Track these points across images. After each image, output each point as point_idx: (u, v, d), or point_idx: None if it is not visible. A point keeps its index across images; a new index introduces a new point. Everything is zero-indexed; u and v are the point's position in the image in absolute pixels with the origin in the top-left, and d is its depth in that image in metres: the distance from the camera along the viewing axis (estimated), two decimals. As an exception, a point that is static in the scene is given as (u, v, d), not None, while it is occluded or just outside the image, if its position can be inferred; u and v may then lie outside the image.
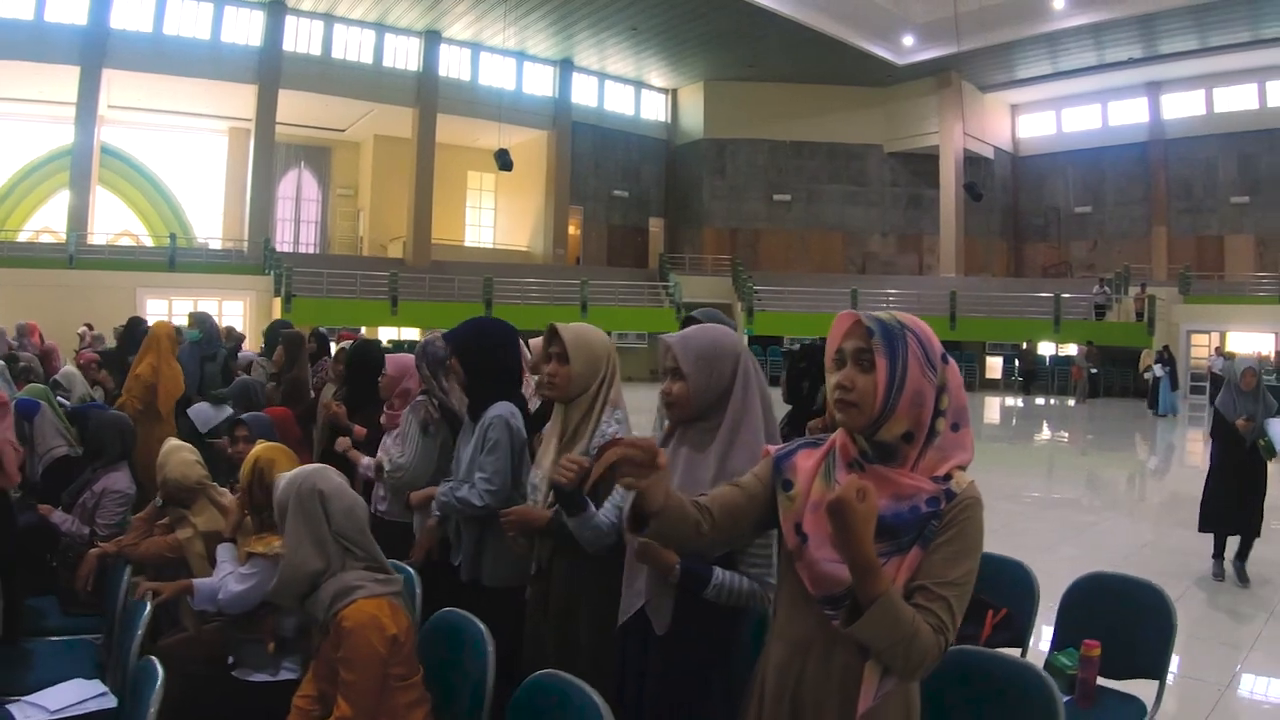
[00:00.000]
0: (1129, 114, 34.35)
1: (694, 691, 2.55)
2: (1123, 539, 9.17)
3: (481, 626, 2.82)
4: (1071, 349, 29.43)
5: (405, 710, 2.62)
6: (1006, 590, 3.67)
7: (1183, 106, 33.17)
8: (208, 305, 25.23)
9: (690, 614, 2.54)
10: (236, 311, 25.64)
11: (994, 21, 28.87)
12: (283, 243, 31.61)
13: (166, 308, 24.63)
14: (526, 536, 3.07)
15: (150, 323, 9.66)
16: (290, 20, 28.83)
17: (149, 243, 30.16)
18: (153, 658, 2.62)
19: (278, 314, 24.65)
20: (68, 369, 9.29)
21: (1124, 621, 3.58)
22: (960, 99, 33.50)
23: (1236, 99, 32.02)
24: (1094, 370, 27.45)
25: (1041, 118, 37.20)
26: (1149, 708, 3.50)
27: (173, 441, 4.07)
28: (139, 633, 3.02)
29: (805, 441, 2.16)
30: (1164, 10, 27.28)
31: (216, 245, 30.75)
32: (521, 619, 3.11)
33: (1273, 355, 26.52)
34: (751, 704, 2.13)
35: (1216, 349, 27.03)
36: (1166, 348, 24.58)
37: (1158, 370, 23.47)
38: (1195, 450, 19.10)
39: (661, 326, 26.14)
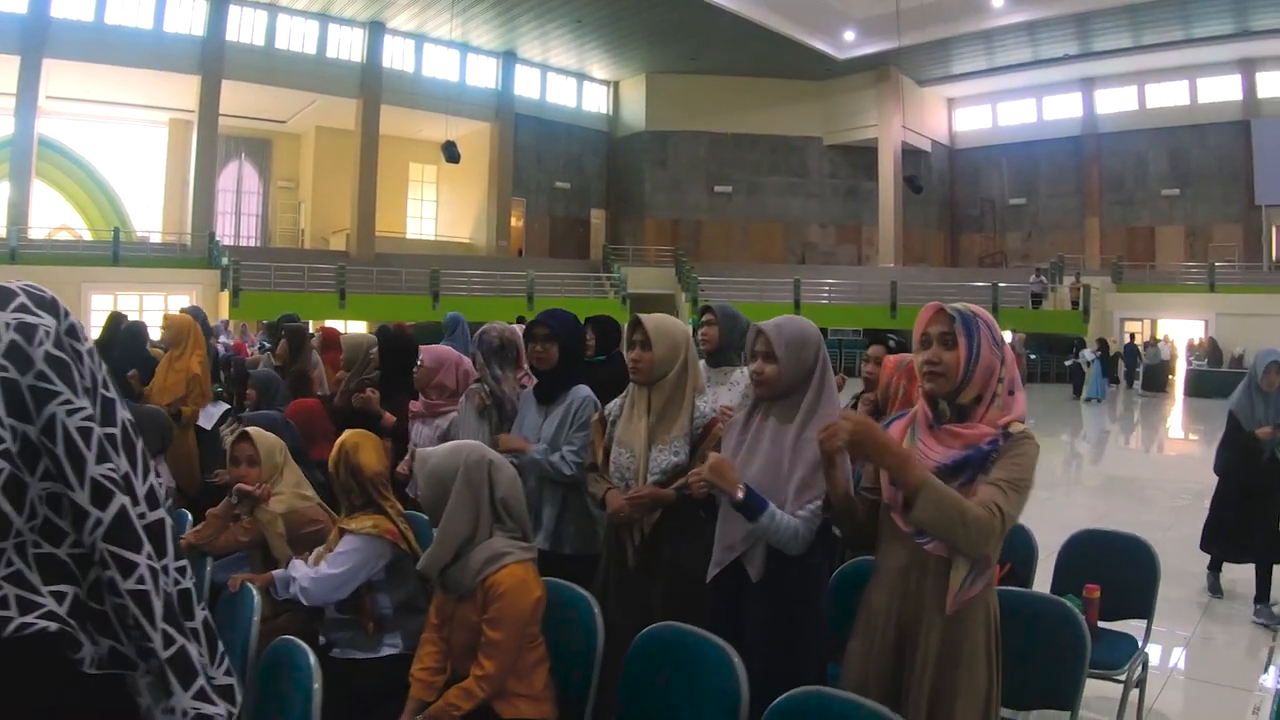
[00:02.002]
0: (1063, 108, 35.49)
1: (791, 633, 2.89)
2: (1077, 514, 9.57)
3: (585, 593, 3.09)
4: (1006, 336, 30.05)
5: (531, 668, 2.86)
6: (1009, 547, 4.06)
7: (1116, 102, 34.38)
8: (153, 300, 24.98)
9: (781, 565, 2.88)
10: (183, 306, 25.27)
11: (933, 18, 29.43)
12: (223, 236, 31.11)
13: (112, 303, 24.24)
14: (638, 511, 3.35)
15: (124, 316, 9.63)
16: (234, 10, 28.46)
17: (87, 236, 29.67)
18: (296, 639, 2.78)
19: (224, 308, 24.45)
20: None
21: (1114, 569, 4.11)
22: (899, 93, 34.17)
23: (1168, 95, 33.32)
24: (1033, 356, 28.17)
25: (978, 111, 38.13)
26: (1140, 642, 4.02)
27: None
28: (255, 618, 3.16)
29: (894, 417, 2.74)
30: (1099, 9, 28.25)
31: (156, 239, 30.29)
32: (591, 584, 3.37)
33: (1204, 341, 27.56)
34: (860, 624, 2.66)
35: (1149, 339, 27.94)
36: (1103, 339, 25.34)
37: (1088, 355, 24.11)
38: (1136, 434, 19.82)
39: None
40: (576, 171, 37.74)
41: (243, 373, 7.49)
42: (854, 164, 37.01)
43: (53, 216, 29.74)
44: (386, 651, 3.32)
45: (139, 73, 27.25)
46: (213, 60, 28.00)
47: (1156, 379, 26.05)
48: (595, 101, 38.29)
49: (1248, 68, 31.25)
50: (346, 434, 3.53)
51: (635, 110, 37.40)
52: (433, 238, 36.50)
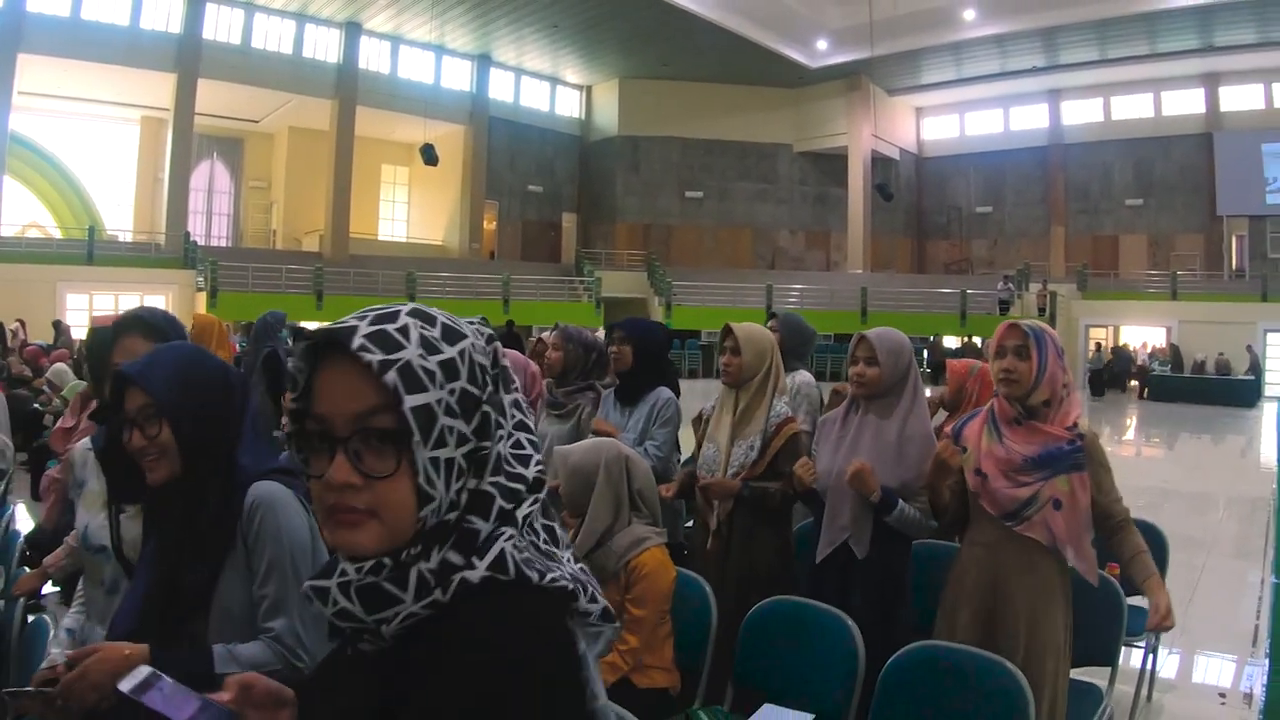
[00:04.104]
0: (1030, 119, 36.15)
1: (890, 602, 3.33)
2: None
3: (695, 576, 3.40)
4: (977, 342, 30.57)
5: (662, 640, 3.12)
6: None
7: (1082, 113, 35.10)
8: (129, 300, 24.77)
9: (883, 544, 3.33)
10: (159, 307, 25.06)
11: (905, 29, 29.93)
12: (194, 235, 30.80)
13: (87, 303, 24.21)
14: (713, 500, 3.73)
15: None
16: (210, 8, 28.26)
17: (56, 234, 29.41)
18: None
19: (202, 308, 24.30)
20: (58, 367, 9.36)
21: None
22: (869, 101, 34.61)
23: (1133, 107, 34.08)
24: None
25: (946, 121, 38.72)
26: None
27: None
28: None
29: (966, 418, 3.29)
30: (1066, 24, 28.89)
31: (126, 238, 30.03)
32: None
33: (1165, 347, 28.23)
34: (950, 589, 3.18)
35: (1098, 344, 28.70)
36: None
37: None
38: (1104, 437, 20.28)
39: (582, 320, 26.38)
40: (549, 175, 37.88)
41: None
42: (823, 171, 37.44)
43: (22, 213, 29.43)
44: None
45: (113, 69, 26.90)
46: (189, 58, 27.74)
47: (1097, 384, 26.72)
48: (568, 106, 38.48)
49: (1211, 82, 32.01)
50: None
51: (608, 115, 37.62)
52: (404, 239, 36.45)
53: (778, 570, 3.62)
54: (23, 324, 17.70)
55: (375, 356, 0.99)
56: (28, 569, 3.39)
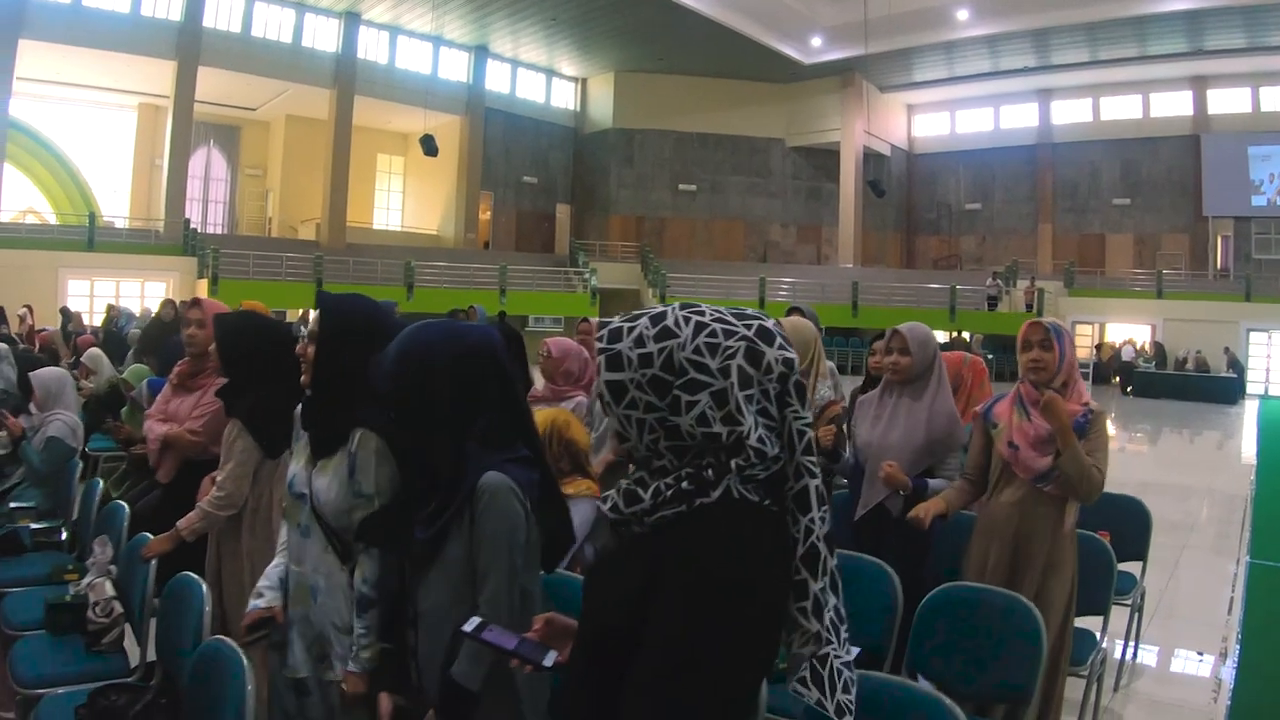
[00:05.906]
0: (1020, 118, 36.62)
1: (919, 552, 3.84)
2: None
3: None
4: (965, 336, 30.97)
5: None
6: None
7: (1071, 113, 35.62)
8: (130, 287, 25.02)
9: (913, 505, 3.82)
10: (159, 293, 25.03)
11: (898, 27, 30.18)
12: (191, 223, 31.06)
13: (88, 289, 24.37)
14: None
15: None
16: (211, -5, 28.47)
17: (52, 220, 29.54)
18: None
19: (203, 295, 24.48)
20: (93, 352, 9.60)
21: (1116, 520, 5.00)
22: (862, 98, 35.06)
23: (1121, 108, 34.63)
24: (989, 356, 29.04)
25: (937, 118, 39.17)
26: (1138, 578, 5.05)
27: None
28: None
29: (995, 399, 3.90)
30: (1058, 25, 29.37)
31: (121, 224, 30.09)
32: None
33: (1149, 345, 28.70)
34: (976, 544, 3.79)
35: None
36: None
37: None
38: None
39: (577, 311, 26.68)
40: (543, 166, 38.15)
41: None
42: (816, 166, 37.83)
43: (19, 199, 29.50)
44: None
45: (112, 56, 26.99)
46: (189, 46, 27.87)
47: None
48: (563, 98, 38.73)
49: (1199, 85, 32.59)
50: (555, 413, 4.12)
51: (603, 108, 37.91)
52: (399, 229, 36.72)
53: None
54: (30, 309, 17.85)
55: (601, 344, 1.52)
56: (150, 535, 3.65)
